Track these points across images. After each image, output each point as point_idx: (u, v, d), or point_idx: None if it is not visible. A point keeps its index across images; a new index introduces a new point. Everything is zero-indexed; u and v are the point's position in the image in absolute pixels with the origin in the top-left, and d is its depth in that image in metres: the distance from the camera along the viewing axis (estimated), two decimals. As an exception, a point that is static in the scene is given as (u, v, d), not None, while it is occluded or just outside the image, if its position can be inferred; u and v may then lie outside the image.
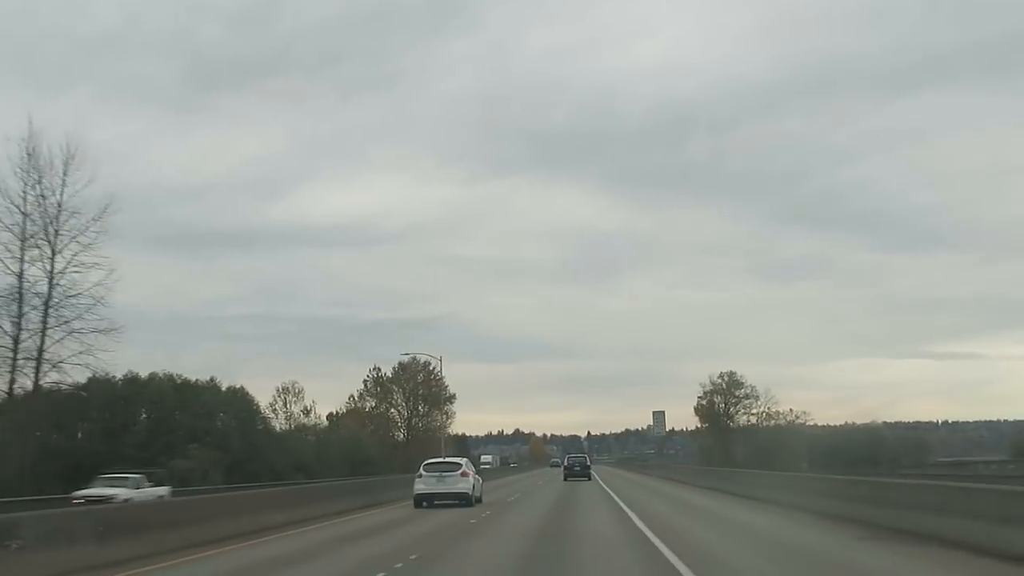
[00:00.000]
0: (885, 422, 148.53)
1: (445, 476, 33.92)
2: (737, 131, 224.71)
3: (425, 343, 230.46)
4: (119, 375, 63.67)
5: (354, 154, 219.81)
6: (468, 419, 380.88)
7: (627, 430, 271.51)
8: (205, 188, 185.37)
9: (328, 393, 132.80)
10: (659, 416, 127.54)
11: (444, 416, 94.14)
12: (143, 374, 64.29)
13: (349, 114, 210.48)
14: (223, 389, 68.09)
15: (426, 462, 36.38)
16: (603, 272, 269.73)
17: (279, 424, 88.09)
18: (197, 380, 66.23)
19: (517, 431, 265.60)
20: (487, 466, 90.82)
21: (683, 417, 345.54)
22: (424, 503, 33.37)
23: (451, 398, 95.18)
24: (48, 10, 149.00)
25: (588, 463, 78.44)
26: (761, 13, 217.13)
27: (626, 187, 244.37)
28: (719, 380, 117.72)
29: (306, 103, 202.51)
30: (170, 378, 65.15)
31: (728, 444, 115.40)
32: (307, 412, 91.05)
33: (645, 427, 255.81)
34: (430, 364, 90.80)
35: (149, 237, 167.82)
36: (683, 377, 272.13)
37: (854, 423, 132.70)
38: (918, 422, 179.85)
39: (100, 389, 61.25)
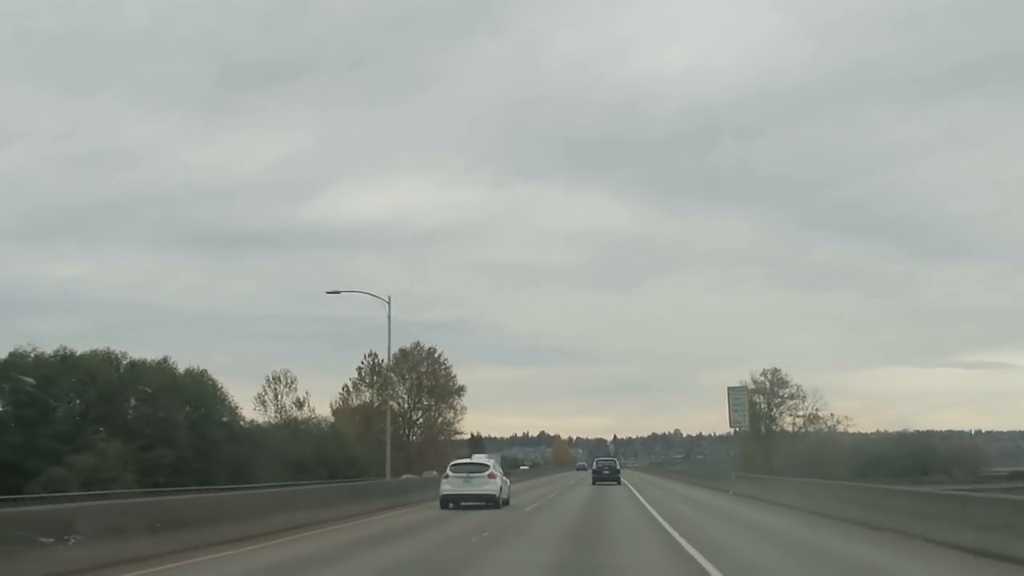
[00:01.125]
0: (918, 431, 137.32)
1: (472, 477, 32.56)
2: (765, 137, 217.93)
3: (450, 344, 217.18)
4: (50, 351, 51.47)
5: (382, 156, 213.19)
6: (493, 422, 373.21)
7: (654, 434, 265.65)
8: (234, 189, 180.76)
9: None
10: (738, 396, 72.56)
11: (453, 412, 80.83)
12: (79, 350, 51.87)
13: (377, 116, 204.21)
14: (180, 372, 55.29)
15: (453, 463, 35.42)
16: (630, 277, 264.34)
17: (268, 417, 76.03)
18: (145, 360, 53.51)
19: (542, 433, 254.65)
20: None
21: (711, 422, 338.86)
22: (451, 504, 32.13)
23: (460, 390, 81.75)
24: (80, 11, 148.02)
25: (617, 467, 73.92)
26: (790, 19, 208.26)
27: (653, 192, 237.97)
28: (762, 379, 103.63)
29: (335, 105, 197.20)
30: (110, 356, 52.45)
31: (770, 449, 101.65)
32: (300, 404, 78.67)
33: (672, 431, 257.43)
34: (435, 351, 78.08)
35: (179, 236, 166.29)
36: (710, 383, 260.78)
37: (886, 431, 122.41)
38: (951, 431, 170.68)
39: (18, 367, 48.84)
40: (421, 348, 78.35)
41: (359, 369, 79.04)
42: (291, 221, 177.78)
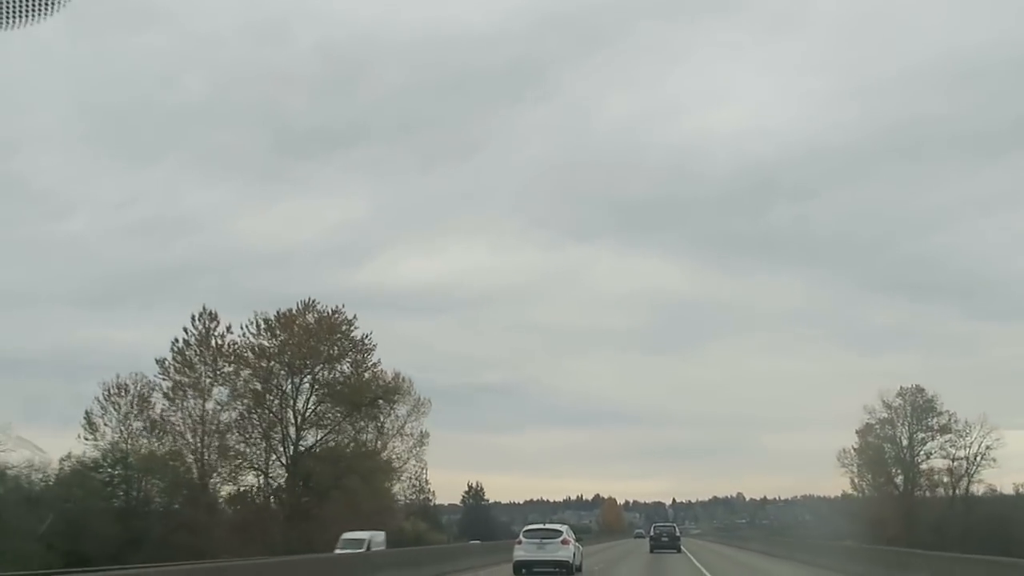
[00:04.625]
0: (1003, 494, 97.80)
1: (545, 543, 29.93)
2: (821, 196, 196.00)
3: (505, 407, 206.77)
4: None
5: (434, 221, 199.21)
6: (546, 485, 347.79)
7: (715, 498, 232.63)
8: (288, 255, 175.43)
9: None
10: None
11: (379, 434, 41.54)
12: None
13: (430, 181, 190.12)
14: None
15: (526, 528, 33.19)
16: (685, 339, 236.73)
17: (102, 447, 39.74)
18: None
19: (597, 496, 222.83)
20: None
21: (775, 487, 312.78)
22: (523, 570, 29.64)
23: (389, 392, 42.11)
24: (140, 83, 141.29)
25: (677, 533, 60.18)
26: (844, 77, 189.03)
27: (708, 254, 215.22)
28: (898, 402, 63.18)
29: (388, 171, 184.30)
30: None
31: (914, 514, 60.75)
32: (158, 430, 41.35)
33: (734, 495, 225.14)
34: (343, 316, 40.23)
35: (235, 302, 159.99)
36: (772, 446, 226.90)
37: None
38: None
39: None
40: (317, 310, 40.84)
41: (177, 345, 39.76)
42: (344, 286, 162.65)
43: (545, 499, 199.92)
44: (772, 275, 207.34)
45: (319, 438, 41.03)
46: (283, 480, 40.14)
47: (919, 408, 62.44)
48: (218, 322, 39.45)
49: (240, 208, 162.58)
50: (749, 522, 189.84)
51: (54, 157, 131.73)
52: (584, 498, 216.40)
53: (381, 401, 41.50)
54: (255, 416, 39.69)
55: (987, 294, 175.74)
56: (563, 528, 32.07)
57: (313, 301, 41.11)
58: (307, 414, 40.39)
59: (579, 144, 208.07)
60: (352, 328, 41.36)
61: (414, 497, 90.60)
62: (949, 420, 62.72)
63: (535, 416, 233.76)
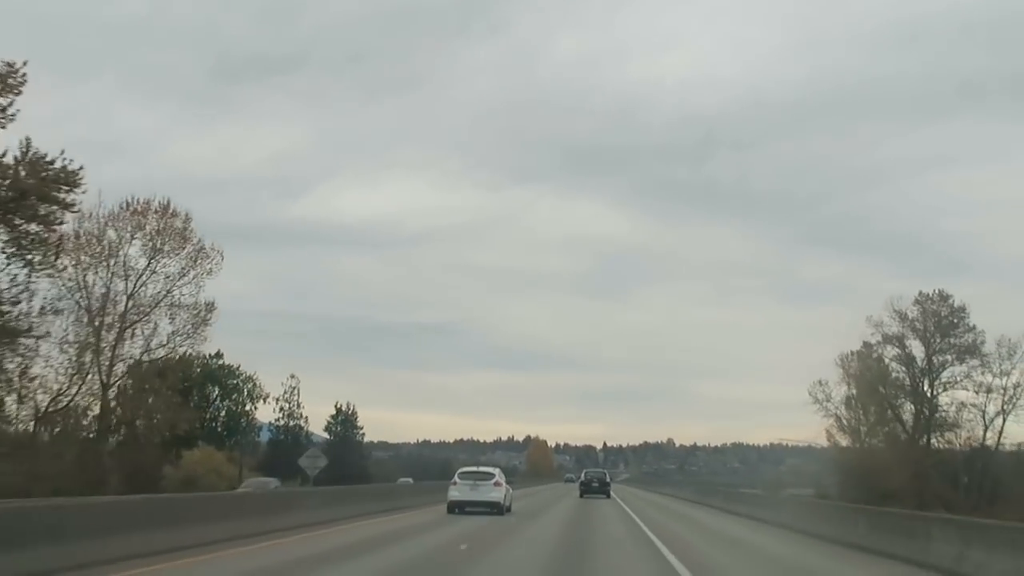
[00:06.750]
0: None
1: (479, 484, 31.06)
2: (762, 149, 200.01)
3: (440, 348, 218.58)
4: None
5: (376, 155, 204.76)
6: (478, 425, 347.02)
7: (646, 443, 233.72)
8: (225, 183, 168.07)
9: (331, 393, 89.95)
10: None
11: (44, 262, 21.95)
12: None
13: (372, 114, 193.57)
14: None
15: (461, 470, 33.70)
16: (624, 285, 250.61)
17: None
18: None
19: (528, 438, 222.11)
20: None
21: (703, 434, 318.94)
22: (456, 509, 30.54)
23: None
24: None
25: (608, 479, 58.41)
26: (791, 32, 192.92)
27: (649, 201, 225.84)
28: (916, 310, 44.89)
29: (329, 101, 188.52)
30: None
31: (923, 463, 42.85)
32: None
33: (665, 440, 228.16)
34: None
35: None
36: (704, 394, 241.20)
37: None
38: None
39: None
40: None
41: None
42: (282, 217, 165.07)
43: (475, 439, 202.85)
44: (712, 225, 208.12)
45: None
46: None
47: (943, 323, 44.17)
48: None
49: (175, 132, 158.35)
50: (678, 468, 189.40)
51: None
52: (515, 439, 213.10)
53: (33, 200, 20.90)
54: None
55: (918, 253, 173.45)
56: (496, 471, 32.91)
57: None
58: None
59: (525, 84, 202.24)
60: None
61: (282, 422, 70.38)
62: (975, 340, 44.92)
63: (471, 357, 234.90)
